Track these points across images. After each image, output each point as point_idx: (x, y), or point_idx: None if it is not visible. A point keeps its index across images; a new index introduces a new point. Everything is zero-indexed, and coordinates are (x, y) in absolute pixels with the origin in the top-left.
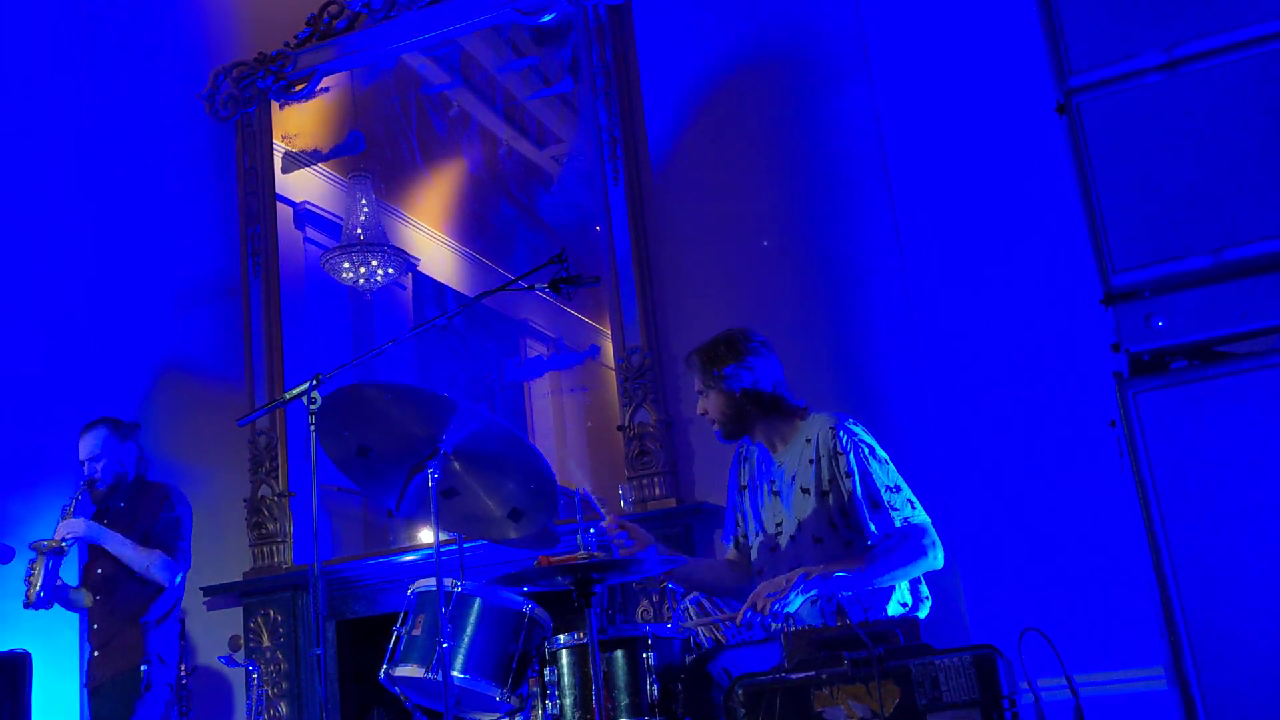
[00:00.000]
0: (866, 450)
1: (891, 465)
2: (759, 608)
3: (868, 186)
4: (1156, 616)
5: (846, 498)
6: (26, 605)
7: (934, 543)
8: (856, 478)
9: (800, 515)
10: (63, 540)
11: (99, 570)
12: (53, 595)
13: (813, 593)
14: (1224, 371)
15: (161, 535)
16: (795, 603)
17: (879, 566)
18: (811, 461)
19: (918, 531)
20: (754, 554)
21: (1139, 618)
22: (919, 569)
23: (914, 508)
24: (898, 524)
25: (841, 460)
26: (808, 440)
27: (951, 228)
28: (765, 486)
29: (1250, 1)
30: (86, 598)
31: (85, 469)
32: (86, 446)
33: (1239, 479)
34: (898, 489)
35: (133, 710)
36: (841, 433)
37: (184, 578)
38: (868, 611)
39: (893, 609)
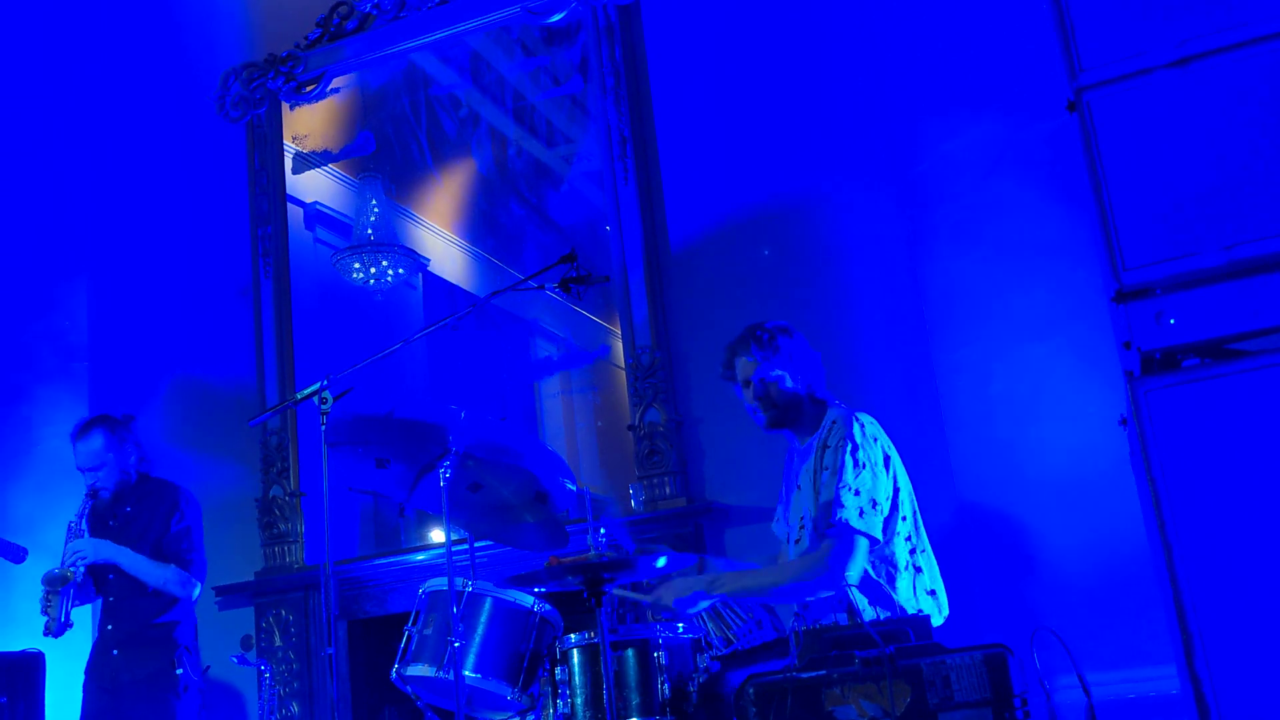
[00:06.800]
0: (849, 448)
1: (868, 470)
2: (665, 602)
3: (880, 183)
4: (1168, 615)
5: (819, 493)
6: (48, 634)
7: (827, 567)
8: (829, 473)
9: (808, 509)
10: (70, 568)
11: (110, 576)
12: (70, 617)
13: (707, 603)
14: (1235, 369)
15: (173, 546)
16: (700, 605)
17: (779, 583)
18: (825, 448)
19: (827, 551)
20: (784, 548)
21: (1150, 616)
22: (814, 590)
23: (861, 516)
24: (835, 525)
25: (827, 454)
26: (823, 433)
27: (962, 227)
28: (794, 479)
29: None
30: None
31: (86, 478)
32: (85, 455)
33: (1251, 477)
34: (857, 492)
35: (173, 713)
36: (839, 427)
37: (201, 588)
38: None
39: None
